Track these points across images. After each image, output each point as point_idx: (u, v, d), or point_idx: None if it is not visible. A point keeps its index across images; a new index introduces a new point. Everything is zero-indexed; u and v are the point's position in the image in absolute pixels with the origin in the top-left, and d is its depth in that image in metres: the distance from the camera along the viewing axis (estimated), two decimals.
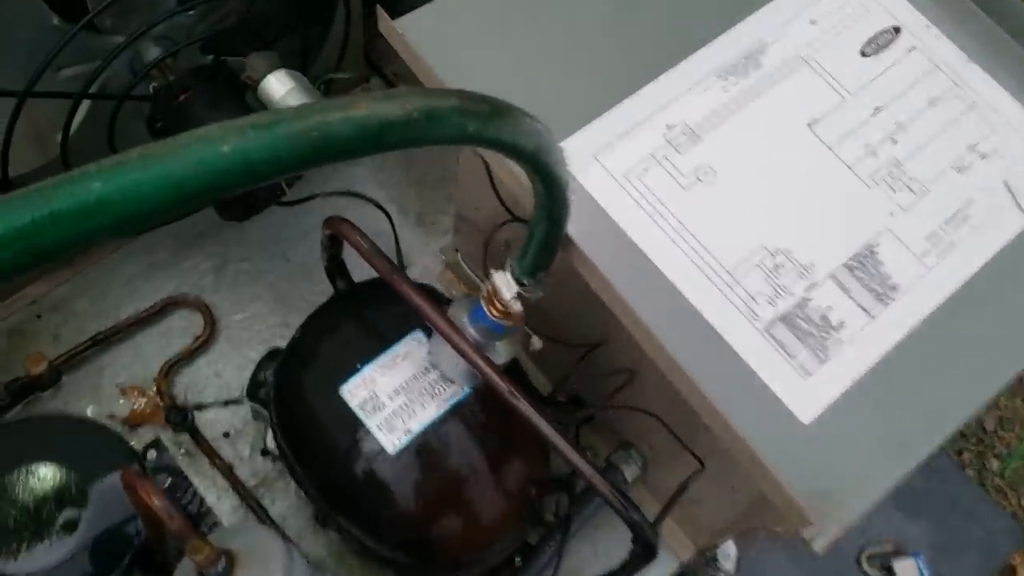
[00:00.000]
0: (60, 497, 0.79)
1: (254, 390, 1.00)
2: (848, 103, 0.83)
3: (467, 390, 0.87)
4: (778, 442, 0.71)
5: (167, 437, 1.12)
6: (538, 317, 0.84)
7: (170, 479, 1.01)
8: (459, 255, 1.21)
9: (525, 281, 0.74)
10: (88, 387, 1.14)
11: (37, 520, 0.78)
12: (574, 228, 0.71)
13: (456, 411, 0.86)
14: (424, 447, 0.85)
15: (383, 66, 1.36)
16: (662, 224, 0.76)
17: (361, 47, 1.30)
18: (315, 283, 1.23)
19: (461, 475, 0.86)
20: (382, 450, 0.85)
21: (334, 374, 0.87)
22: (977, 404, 0.75)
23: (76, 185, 0.33)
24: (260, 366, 1.01)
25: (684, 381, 0.72)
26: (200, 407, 1.11)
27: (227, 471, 1.10)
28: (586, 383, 1.06)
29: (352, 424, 0.85)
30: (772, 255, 0.76)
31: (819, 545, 0.69)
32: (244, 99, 1.00)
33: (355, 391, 0.86)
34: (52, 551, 0.77)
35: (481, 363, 0.78)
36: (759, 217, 0.78)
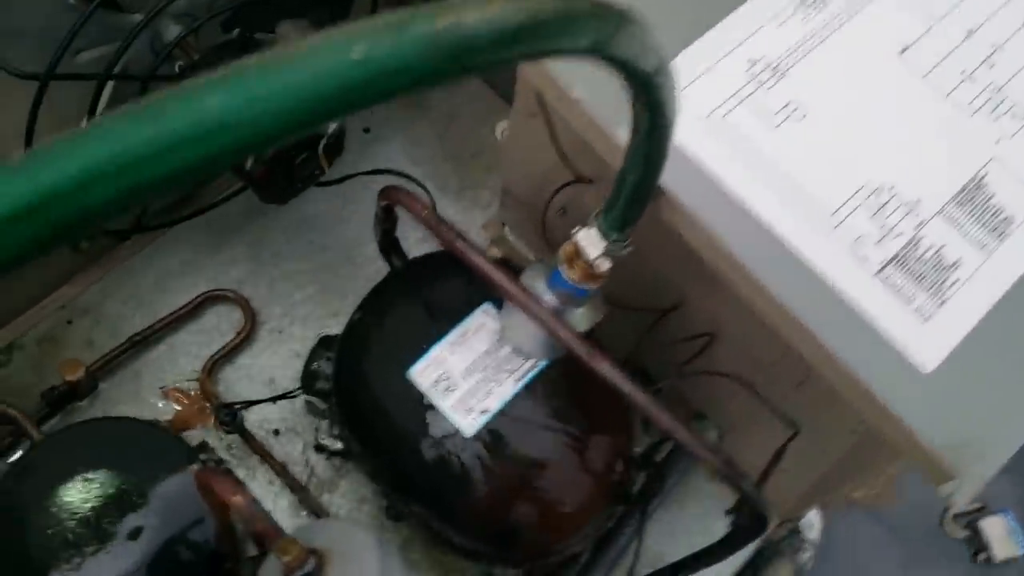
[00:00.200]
0: (121, 504, 0.74)
1: (309, 381, 0.95)
2: (937, 28, 0.77)
3: (545, 363, 0.81)
4: (902, 393, 0.65)
5: (215, 439, 1.06)
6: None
7: None
8: (505, 228, 1.15)
9: (613, 237, 0.68)
10: (128, 392, 1.09)
11: (98, 530, 0.73)
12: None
13: (534, 386, 0.81)
14: (503, 427, 0.79)
15: None
16: (754, 167, 0.70)
17: None
18: (357, 268, 1.18)
19: (544, 455, 0.80)
20: (458, 433, 0.79)
21: (400, 356, 0.81)
22: None
23: (190, 101, 0.27)
24: (313, 355, 0.95)
25: (801, 335, 0.66)
26: (250, 404, 1.05)
27: (281, 471, 1.04)
28: (654, 354, 1.00)
29: (424, 407, 0.80)
30: (875, 193, 0.70)
31: (961, 501, 0.63)
32: None
33: (425, 372, 0.80)
34: (117, 561, 0.71)
35: (562, 331, 0.72)
36: (857, 154, 0.72)
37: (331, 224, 1.19)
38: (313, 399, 0.96)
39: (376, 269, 1.17)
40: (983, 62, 0.76)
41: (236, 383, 1.10)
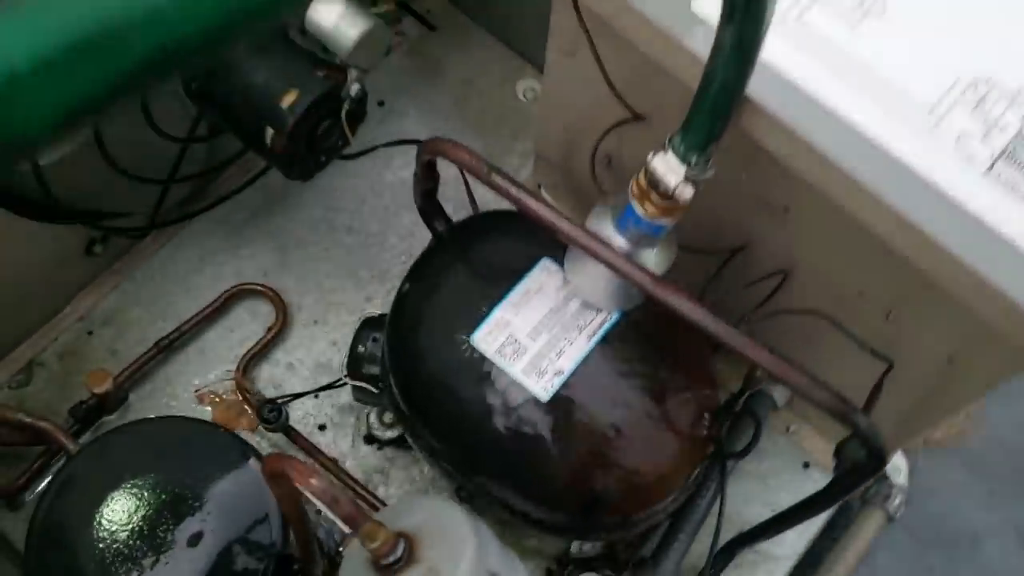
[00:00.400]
0: (176, 509, 0.67)
1: (355, 367, 0.88)
2: None
3: (617, 315, 0.74)
4: None
5: (257, 439, 1.00)
6: None
7: None
8: (541, 189, 1.09)
9: (694, 159, 0.61)
10: (159, 400, 1.02)
11: (153, 540, 0.66)
12: None
13: (609, 342, 0.74)
14: (579, 388, 0.73)
15: (413, 2, 1.23)
16: (838, 69, 0.64)
17: None
18: (386, 249, 1.11)
19: (625, 415, 0.74)
20: (533, 398, 0.72)
21: (460, 324, 0.75)
22: None
23: None
24: (357, 339, 0.89)
25: (915, 242, 0.59)
26: (294, 397, 0.98)
27: (332, 466, 0.98)
28: (722, 300, 0.93)
29: (491, 375, 0.73)
30: (972, 87, 0.64)
31: None
32: (289, 38, 0.87)
33: (489, 338, 0.74)
34: (177, 571, 0.64)
35: (638, 274, 0.65)
36: (947, 46, 0.65)
37: (354, 204, 1.13)
38: (361, 385, 0.89)
39: (409, 246, 1.11)
40: None
41: (273, 380, 1.04)
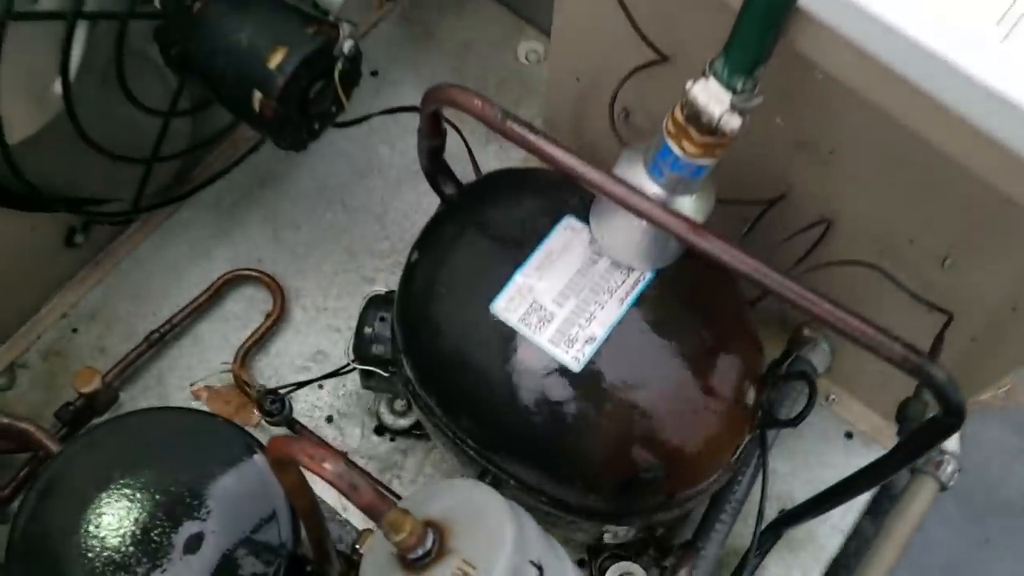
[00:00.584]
0: (172, 510, 0.60)
1: (363, 350, 0.81)
2: None
3: (650, 274, 0.67)
4: None
5: (259, 434, 0.92)
6: None
7: None
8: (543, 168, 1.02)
9: (739, 85, 0.54)
10: (153, 398, 0.96)
11: (148, 545, 0.59)
12: None
13: (643, 304, 0.67)
14: (613, 356, 0.66)
15: None
16: None
17: None
18: (389, 225, 1.04)
19: (665, 384, 0.67)
20: (563, 369, 0.65)
21: (477, 292, 0.68)
22: None
23: None
24: (363, 320, 0.81)
25: (995, 160, 0.52)
26: (298, 386, 0.91)
27: (346, 460, 0.90)
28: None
29: (516, 346, 0.66)
30: None
31: None
32: None
33: (510, 305, 0.67)
34: None
35: (678, 222, 0.58)
36: None
37: (350, 181, 1.06)
38: (370, 369, 0.82)
39: (412, 224, 1.04)
40: None
41: (274, 370, 0.97)
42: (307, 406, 0.95)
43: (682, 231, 0.58)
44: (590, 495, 0.71)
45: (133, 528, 0.60)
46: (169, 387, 0.96)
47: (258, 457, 0.63)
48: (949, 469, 0.92)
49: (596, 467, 0.68)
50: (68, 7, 0.73)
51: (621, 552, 0.84)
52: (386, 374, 0.81)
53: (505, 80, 1.12)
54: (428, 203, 0.79)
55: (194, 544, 0.60)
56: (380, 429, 0.94)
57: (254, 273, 0.99)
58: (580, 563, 0.87)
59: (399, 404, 0.92)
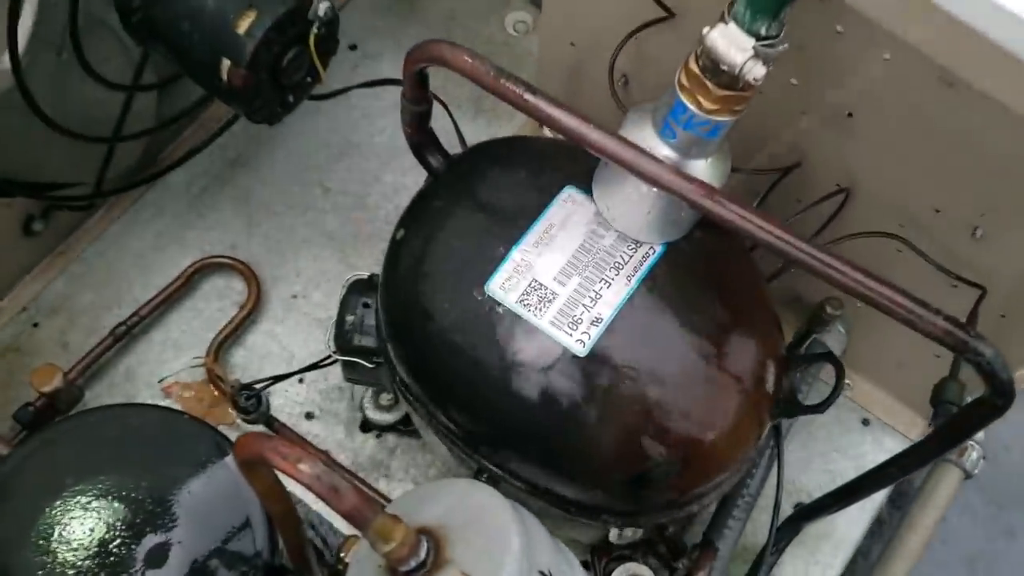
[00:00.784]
0: (133, 520, 0.53)
1: (345, 340, 0.74)
2: None
3: (661, 248, 0.61)
4: None
5: (235, 433, 0.86)
6: None
7: None
8: (544, 131, 0.96)
9: (763, 29, 0.48)
10: (120, 396, 0.89)
11: (106, 558, 0.53)
12: None
13: (654, 280, 0.61)
14: (623, 338, 0.60)
15: None
16: None
17: None
18: (369, 209, 0.98)
19: (680, 368, 0.61)
20: (567, 353, 0.59)
21: (471, 271, 0.62)
22: None
23: None
24: (345, 306, 0.75)
25: None
26: (274, 380, 0.85)
27: (324, 460, 0.84)
28: None
29: (515, 329, 0.60)
30: None
31: None
32: None
33: (508, 285, 0.61)
34: None
35: (693, 187, 0.52)
36: None
37: (329, 161, 1.00)
38: (353, 360, 0.75)
39: (396, 206, 0.98)
40: None
41: (249, 365, 0.91)
42: (286, 402, 0.89)
43: (699, 198, 0.52)
44: (597, 493, 0.65)
45: (89, 540, 0.53)
46: (137, 384, 0.89)
47: (230, 459, 0.57)
48: (974, 456, 0.87)
49: (604, 462, 0.62)
50: None
51: (627, 552, 0.78)
52: (371, 365, 0.74)
53: (492, 53, 1.05)
54: (413, 183, 0.73)
55: (158, 556, 0.53)
56: (365, 425, 0.88)
57: (227, 261, 0.93)
58: (583, 565, 0.81)
59: (385, 398, 0.86)
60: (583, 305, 0.60)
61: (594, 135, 0.54)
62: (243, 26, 0.71)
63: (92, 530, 0.53)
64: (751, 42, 0.48)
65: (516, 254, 0.61)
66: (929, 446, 0.59)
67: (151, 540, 0.54)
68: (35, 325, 0.91)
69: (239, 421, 0.85)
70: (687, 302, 0.61)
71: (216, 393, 0.87)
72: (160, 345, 0.91)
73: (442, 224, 0.65)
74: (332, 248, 0.96)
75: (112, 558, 0.53)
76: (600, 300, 0.60)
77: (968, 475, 0.87)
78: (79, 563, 0.52)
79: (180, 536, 0.54)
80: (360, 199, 0.98)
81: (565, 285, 0.60)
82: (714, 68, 0.50)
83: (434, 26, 1.06)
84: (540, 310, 0.60)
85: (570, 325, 0.60)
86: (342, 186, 0.99)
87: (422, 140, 0.68)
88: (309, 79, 0.79)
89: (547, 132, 0.90)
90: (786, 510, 0.84)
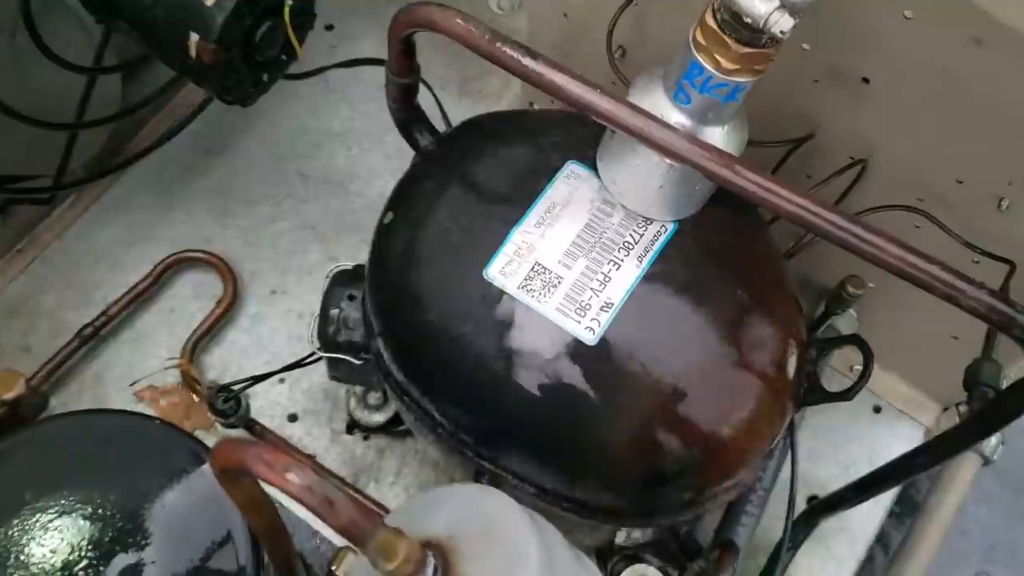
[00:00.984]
0: (102, 537, 0.48)
1: (329, 333, 0.69)
2: None
3: (673, 225, 0.57)
4: None
5: (213, 438, 0.81)
6: None
7: None
8: (533, 107, 0.92)
9: None
10: (89, 402, 0.84)
11: None
12: None
13: (667, 261, 0.56)
14: (635, 324, 0.55)
15: None
16: None
17: None
18: (350, 198, 0.94)
19: (697, 356, 0.57)
20: (575, 342, 0.54)
21: (467, 255, 0.57)
22: None
23: None
24: (329, 300, 0.70)
25: None
26: (254, 381, 0.79)
27: (314, 467, 0.79)
28: None
29: (517, 317, 0.55)
30: None
31: None
32: None
33: (508, 269, 0.56)
34: None
35: (710, 156, 0.48)
36: None
37: (306, 151, 0.95)
38: (339, 357, 0.70)
39: (379, 193, 0.93)
40: None
41: (228, 365, 0.86)
42: (267, 404, 0.84)
43: (720, 169, 0.48)
44: (606, 492, 0.60)
45: (51, 563, 0.48)
46: (108, 389, 0.84)
47: (207, 467, 0.51)
48: (993, 441, 0.83)
49: (617, 459, 0.57)
50: None
51: (636, 554, 0.74)
52: (357, 362, 0.69)
53: None
54: (399, 167, 0.69)
55: None
56: (352, 426, 0.83)
57: (201, 255, 0.89)
58: None
59: (373, 397, 0.81)
60: (591, 289, 0.55)
61: (604, 103, 0.49)
62: None
63: (54, 552, 0.48)
64: None
65: (516, 236, 0.56)
66: (966, 433, 0.55)
67: (122, 560, 0.49)
68: None
69: (217, 425, 0.80)
70: (703, 283, 0.57)
71: (192, 396, 0.82)
72: (131, 347, 0.86)
73: (434, 205, 0.60)
74: (313, 239, 0.91)
75: None
76: (610, 284, 0.55)
77: (987, 461, 0.83)
78: None
79: (154, 555, 0.49)
80: (341, 186, 0.94)
81: (571, 268, 0.56)
82: (735, 22, 0.46)
83: None
84: (544, 296, 0.55)
85: (578, 311, 0.55)
86: (322, 173, 0.94)
87: (409, 116, 0.63)
88: (284, 57, 0.74)
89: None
90: (799, 503, 0.80)
